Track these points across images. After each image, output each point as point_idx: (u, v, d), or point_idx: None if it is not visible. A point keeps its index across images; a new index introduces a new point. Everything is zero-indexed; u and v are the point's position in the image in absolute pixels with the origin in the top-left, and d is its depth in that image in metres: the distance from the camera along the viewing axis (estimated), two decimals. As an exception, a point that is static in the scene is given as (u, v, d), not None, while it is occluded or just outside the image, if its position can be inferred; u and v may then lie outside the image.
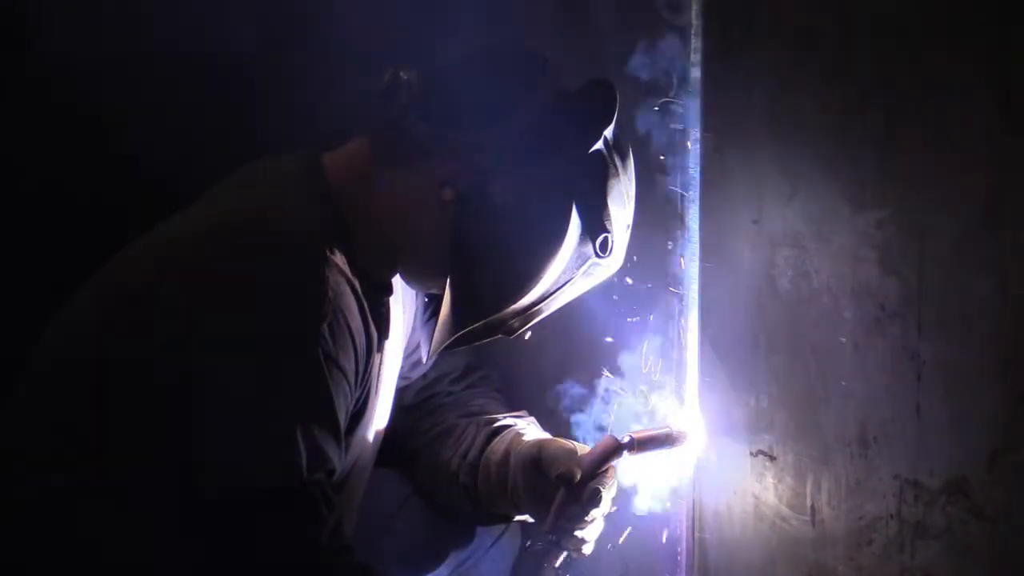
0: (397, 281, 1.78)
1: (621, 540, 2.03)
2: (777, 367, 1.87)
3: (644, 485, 1.97)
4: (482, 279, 1.68)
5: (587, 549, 1.83)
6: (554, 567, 1.78)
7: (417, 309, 1.92)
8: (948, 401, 1.63)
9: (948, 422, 1.63)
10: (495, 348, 1.90)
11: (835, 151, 1.73)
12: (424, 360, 1.91)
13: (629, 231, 1.78)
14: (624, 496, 1.98)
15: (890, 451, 1.70)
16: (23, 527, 1.55)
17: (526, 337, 1.84)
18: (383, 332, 1.73)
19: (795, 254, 1.83)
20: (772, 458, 1.90)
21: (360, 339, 1.61)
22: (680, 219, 1.99)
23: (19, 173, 2.25)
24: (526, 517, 1.92)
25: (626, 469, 1.92)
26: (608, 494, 1.81)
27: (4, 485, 1.57)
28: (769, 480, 1.90)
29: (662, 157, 2.00)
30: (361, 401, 1.68)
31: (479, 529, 2.02)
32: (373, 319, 1.66)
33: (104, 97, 2.20)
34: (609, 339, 2.06)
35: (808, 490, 1.84)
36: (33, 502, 1.54)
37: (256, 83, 2.24)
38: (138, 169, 2.19)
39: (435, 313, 1.71)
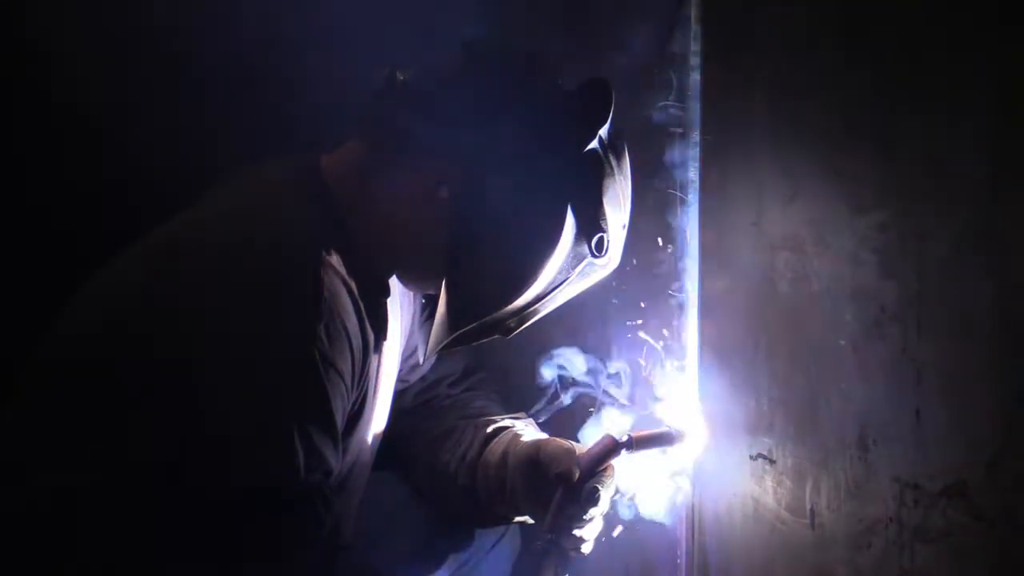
0: (395, 283, 1.79)
1: (616, 534, 2.04)
2: (777, 370, 1.87)
3: (643, 486, 1.98)
4: (478, 279, 1.68)
5: (586, 548, 1.84)
6: (553, 567, 1.78)
7: (415, 311, 1.92)
8: (948, 404, 1.63)
9: (948, 425, 1.63)
10: (493, 349, 1.91)
11: (835, 153, 1.74)
12: (421, 361, 1.91)
13: (625, 231, 1.77)
14: (623, 497, 1.99)
15: (890, 454, 1.70)
16: (23, 527, 1.55)
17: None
18: (380, 334, 1.73)
19: (795, 257, 1.83)
20: (772, 461, 1.90)
21: (356, 340, 1.61)
22: (679, 222, 2.00)
23: (18, 173, 2.26)
24: (525, 518, 1.92)
25: (625, 469, 1.93)
26: (607, 493, 1.81)
27: (5, 485, 1.57)
28: (768, 483, 1.91)
29: (661, 161, 2.01)
30: (359, 403, 1.68)
31: (479, 532, 2.03)
32: (370, 320, 1.66)
33: (104, 97, 2.21)
34: (609, 341, 2.06)
35: (807, 493, 1.84)
36: (33, 502, 1.55)
37: (255, 84, 2.24)
38: (137, 170, 2.20)
39: (432, 314, 1.71)
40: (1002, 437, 1.55)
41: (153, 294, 1.57)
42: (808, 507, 1.84)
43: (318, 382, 1.54)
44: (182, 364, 1.51)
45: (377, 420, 1.81)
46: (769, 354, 1.88)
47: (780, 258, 1.85)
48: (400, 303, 1.87)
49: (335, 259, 1.60)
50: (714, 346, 2.00)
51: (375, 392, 1.76)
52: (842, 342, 1.75)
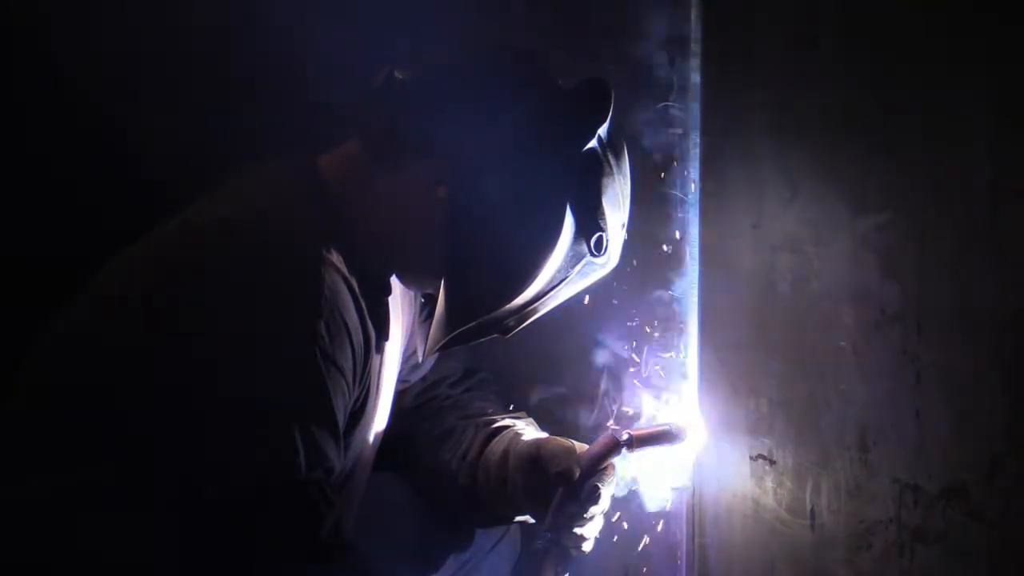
0: (396, 283, 1.79)
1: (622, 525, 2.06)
2: (777, 371, 1.88)
3: (645, 485, 1.99)
4: (476, 278, 1.68)
5: (586, 547, 1.84)
6: (554, 566, 1.79)
7: (416, 311, 1.93)
8: (948, 405, 1.63)
9: (948, 426, 1.63)
10: (494, 349, 1.91)
11: (835, 154, 1.74)
12: (420, 360, 1.91)
13: (625, 230, 1.78)
14: (624, 498, 2.00)
15: (890, 455, 1.71)
16: (22, 528, 1.55)
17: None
18: (382, 332, 1.73)
19: (795, 258, 1.84)
20: (772, 462, 1.90)
21: (357, 337, 1.61)
22: (680, 223, 2.00)
23: (18, 173, 2.27)
24: (526, 517, 1.93)
25: (626, 468, 1.93)
26: (607, 492, 1.82)
27: (4, 485, 1.57)
28: (769, 484, 1.91)
29: (661, 161, 2.02)
30: (360, 401, 1.68)
31: (479, 532, 2.03)
32: (371, 318, 1.67)
33: (103, 97, 2.22)
34: (609, 342, 2.07)
35: (808, 494, 1.85)
36: (33, 503, 1.55)
37: (254, 84, 2.25)
38: (137, 170, 2.21)
39: (432, 313, 1.71)
40: (1002, 438, 1.55)
41: (152, 294, 1.58)
42: (808, 508, 1.84)
43: (319, 380, 1.54)
44: (182, 364, 1.51)
45: (379, 419, 1.81)
46: (769, 355, 1.90)
47: (780, 259, 1.86)
48: (401, 302, 1.87)
49: (335, 257, 1.60)
50: (715, 347, 2.01)
51: (377, 391, 1.76)
52: (842, 343, 1.76)
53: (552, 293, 1.74)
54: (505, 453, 1.91)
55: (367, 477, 1.83)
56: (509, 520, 1.97)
